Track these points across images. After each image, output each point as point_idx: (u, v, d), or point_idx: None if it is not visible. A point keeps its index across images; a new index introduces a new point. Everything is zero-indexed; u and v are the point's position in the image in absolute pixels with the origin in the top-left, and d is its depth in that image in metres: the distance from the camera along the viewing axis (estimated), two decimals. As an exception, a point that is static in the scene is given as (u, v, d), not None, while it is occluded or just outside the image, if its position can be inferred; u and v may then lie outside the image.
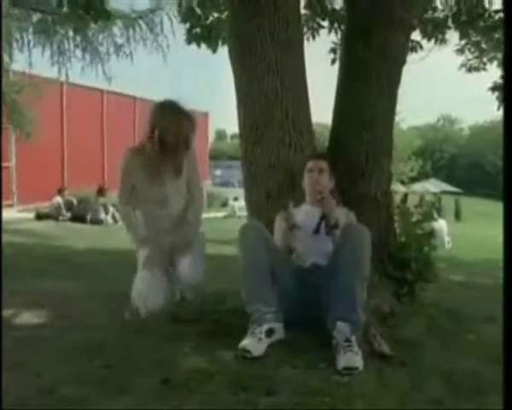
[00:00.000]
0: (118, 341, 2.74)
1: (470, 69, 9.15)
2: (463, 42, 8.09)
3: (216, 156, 47.95)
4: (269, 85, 3.46)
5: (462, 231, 16.91)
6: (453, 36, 7.11)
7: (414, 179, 34.02)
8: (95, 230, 11.34)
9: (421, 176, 37.08)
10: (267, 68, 3.48)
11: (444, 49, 7.42)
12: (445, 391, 2.23)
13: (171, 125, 2.96)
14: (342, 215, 3.09)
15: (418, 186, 30.93)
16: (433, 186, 33.02)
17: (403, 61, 3.80)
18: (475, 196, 44.01)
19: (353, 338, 2.50)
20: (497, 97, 8.70)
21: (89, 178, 17.12)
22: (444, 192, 31.56)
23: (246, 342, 2.52)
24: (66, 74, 10.14)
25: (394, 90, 3.70)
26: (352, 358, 2.40)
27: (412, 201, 7.68)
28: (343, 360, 2.39)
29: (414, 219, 3.73)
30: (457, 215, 29.57)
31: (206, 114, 29.09)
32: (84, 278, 5.10)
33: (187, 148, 3.06)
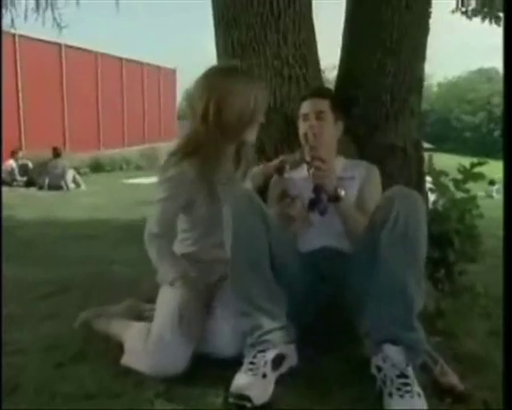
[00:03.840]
0: (41, 379, 1.78)
1: (467, 13, 8.32)
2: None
3: (185, 117, 46.02)
4: (260, -3, 2.47)
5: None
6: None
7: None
8: (53, 196, 10.19)
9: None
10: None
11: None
12: None
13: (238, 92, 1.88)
14: (356, 172, 2.17)
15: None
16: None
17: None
18: (442, 152, 43.68)
19: (410, 370, 1.59)
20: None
21: (49, 140, 15.77)
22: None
23: (242, 382, 1.58)
24: (12, 21, 8.84)
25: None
26: (413, 405, 1.50)
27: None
28: (399, 410, 1.49)
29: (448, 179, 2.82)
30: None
31: (173, 71, 27.54)
32: (26, 258, 4.08)
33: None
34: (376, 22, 2.65)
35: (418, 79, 2.73)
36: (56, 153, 11.18)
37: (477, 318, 2.31)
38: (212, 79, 1.91)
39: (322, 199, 1.94)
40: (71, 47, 18.92)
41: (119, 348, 1.93)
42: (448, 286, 2.60)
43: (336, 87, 2.83)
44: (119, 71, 22.43)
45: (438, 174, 2.76)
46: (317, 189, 1.94)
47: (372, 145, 2.60)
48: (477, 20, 7.81)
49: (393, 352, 1.60)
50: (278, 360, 1.66)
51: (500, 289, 2.78)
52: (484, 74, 51.99)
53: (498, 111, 35.02)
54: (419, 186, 2.71)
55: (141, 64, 23.87)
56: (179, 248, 2.09)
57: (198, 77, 1.93)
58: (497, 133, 34.05)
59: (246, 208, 1.74)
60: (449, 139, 51.67)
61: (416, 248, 1.68)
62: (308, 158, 2.00)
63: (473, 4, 8.10)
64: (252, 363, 1.64)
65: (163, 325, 1.82)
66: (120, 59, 22.34)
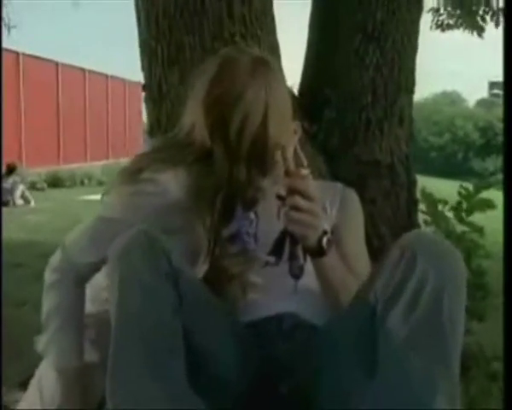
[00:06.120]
0: None
1: (442, 25, 8.13)
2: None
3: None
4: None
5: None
6: None
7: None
8: (-3, 213, 9.36)
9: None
10: None
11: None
12: None
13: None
14: (327, 200, 1.45)
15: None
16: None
17: None
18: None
19: None
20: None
21: (4, 153, 14.90)
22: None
23: None
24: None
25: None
26: None
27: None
28: None
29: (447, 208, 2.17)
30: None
31: (139, 84, 26.80)
32: None
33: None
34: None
35: (409, 74, 2.08)
36: (9, 169, 10.70)
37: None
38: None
39: (298, 256, 1.21)
40: (29, 55, 18.17)
41: None
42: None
43: (301, 88, 2.16)
44: (82, 82, 21.67)
45: (434, 202, 2.10)
46: (292, 240, 1.18)
47: (348, 161, 1.96)
48: (444, 39, 7.77)
49: None
50: None
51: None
52: (447, 97, 53.53)
53: (461, 133, 35.95)
54: (410, 217, 2.05)
55: (105, 76, 23.18)
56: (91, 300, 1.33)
57: None
58: (460, 155, 34.64)
59: (142, 260, 1.01)
60: (417, 160, 52.23)
61: (451, 341, 0.95)
62: (282, 191, 1.15)
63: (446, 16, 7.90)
64: None
65: None
66: (83, 69, 21.63)
